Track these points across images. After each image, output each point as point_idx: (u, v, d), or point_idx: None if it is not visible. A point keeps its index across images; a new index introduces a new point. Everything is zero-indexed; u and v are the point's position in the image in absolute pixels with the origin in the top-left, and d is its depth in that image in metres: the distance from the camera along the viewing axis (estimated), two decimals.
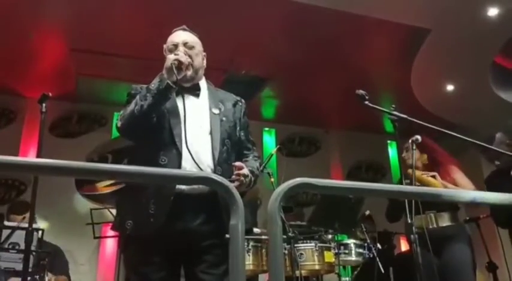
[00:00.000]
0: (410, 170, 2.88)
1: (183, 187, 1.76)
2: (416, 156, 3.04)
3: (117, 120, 1.87)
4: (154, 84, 1.81)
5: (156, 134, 1.83)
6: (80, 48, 4.88)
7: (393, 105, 2.33)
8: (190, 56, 1.91)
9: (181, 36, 1.98)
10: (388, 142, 7.42)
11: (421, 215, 2.84)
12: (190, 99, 1.92)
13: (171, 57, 1.82)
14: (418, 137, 2.93)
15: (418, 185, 2.89)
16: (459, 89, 5.82)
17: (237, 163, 1.83)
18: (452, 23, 4.68)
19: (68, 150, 5.53)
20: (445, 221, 2.93)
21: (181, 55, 1.85)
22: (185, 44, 1.94)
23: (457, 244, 2.86)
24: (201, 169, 1.78)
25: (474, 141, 2.16)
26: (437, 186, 2.87)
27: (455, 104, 5.97)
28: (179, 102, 1.89)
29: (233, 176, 1.79)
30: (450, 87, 5.84)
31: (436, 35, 4.87)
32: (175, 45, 1.94)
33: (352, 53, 5.19)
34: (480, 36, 4.82)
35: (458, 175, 2.99)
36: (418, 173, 2.95)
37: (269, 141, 6.91)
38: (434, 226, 2.91)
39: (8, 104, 5.79)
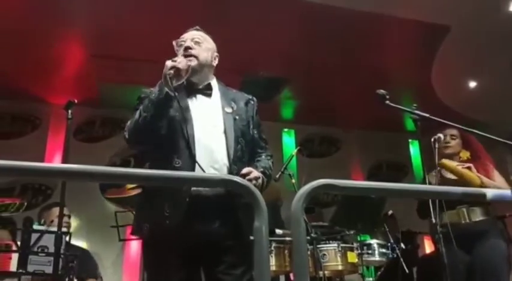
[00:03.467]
0: (444, 160, 2.86)
1: (199, 188, 1.76)
2: (457, 149, 3.04)
3: (124, 131, 1.88)
4: (154, 94, 1.81)
5: (169, 137, 1.83)
6: (100, 54, 4.96)
7: (415, 105, 2.31)
8: (196, 50, 1.93)
9: (191, 33, 2.02)
10: (410, 140, 7.33)
11: (452, 210, 2.81)
12: (202, 100, 1.94)
13: (168, 65, 1.80)
14: (441, 135, 2.92)
15: (448, 177, 2.87)
16: (482, 86, 5.73)
17: (244, 170, 1.82)
18: (473, 18, 4.61)
19: (91, 154, 5.63)
20: (477, 215, 2.86)
21: (179, 61, 1.83)
22: (192, 39, 1.97)
23: (490, 239, 2.79)
24: (215, 169, 1.79)
25: (501, 140, 2.12)
26: (473, 178, 2.83)
27: (479, 101, 5.87)
28: (191, 103, 1.90)
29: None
30: (473, 84, 5.76)
31: (456, 32, 4.80)
32: (184, 41, 1.98)
33: (371, 52, 5.15)
34: (502, 31, 4.73)
35: (496, 173, 2.94)
36: (453, 163, 2.92)
37: (289, 142, 6.90)
38: (467, 220, 2.85)
39: (34, 111, 5.92)
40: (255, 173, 1.83)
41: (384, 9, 4.47)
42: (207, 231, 1.78)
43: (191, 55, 1.92)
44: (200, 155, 1.80)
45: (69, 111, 2.40)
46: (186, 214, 1.75)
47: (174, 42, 2.02)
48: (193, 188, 1.77)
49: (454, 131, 3.03)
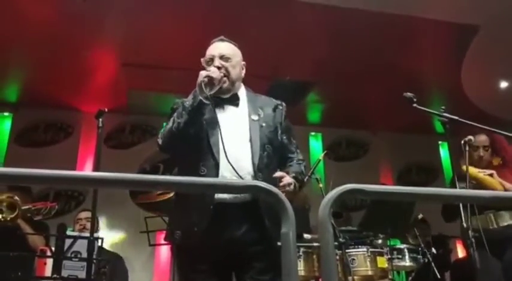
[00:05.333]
0: (464, 167, 2.79)
1: (225, 195, 1.80)
2: (490, 159, 2.96)
3: (157, 138, 1.94)
4: (188, 101, 1.86)
5: (195, 145, 1.87)
6: (131, 63, 5.06)
7: (443, 107, 2.27)
8: (226, 69, 1.93)
9: (218, 48, 2.00)
10: (440, 142, 7.18)
11: (479, 215, 2.74)
12: (229, 109, 1.96)
13: (202, 74, 1.86)
14: (471, 137, 2.85)
15: (474, 184, 2.80)
16: None
17: (278, 174, 1.84)
18: (502, 17, 4.50)
19: (121, 161, 5.74)
20: (506, 220, 2.80)
21: (213, 70, 1.88)
22: (221, 57, 1.96)
23: None
24: (240, 177, 1.81)
25: None
26: (495, 185, 2.76)
27: (510, 101, 5.72)
28: (218, 113, 1.92)
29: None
30: (504, 84, 5.61)
31: (485, 31, 4.69)
32: (212, 59, 1.97)
33: (398, 54, 5.08)
34: None
35: None
36: (474, 170, 2.85)
37: (316, 146, 6.86)
38: (495, 226, 2.79)
39: (66, 119, 6.08)
40: (288, 178, 1.84)
41: (412, 11, 4.41)
42: (233, 238, 1.81)
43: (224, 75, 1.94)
44: (225, 164, 1.82)
45: (100, 119, 2.47)
46: (211, 221, 1.78)
47: (202, 60, 2.03)
48: (217, 196, 1.80)
49: (485, 141, 2.94)
